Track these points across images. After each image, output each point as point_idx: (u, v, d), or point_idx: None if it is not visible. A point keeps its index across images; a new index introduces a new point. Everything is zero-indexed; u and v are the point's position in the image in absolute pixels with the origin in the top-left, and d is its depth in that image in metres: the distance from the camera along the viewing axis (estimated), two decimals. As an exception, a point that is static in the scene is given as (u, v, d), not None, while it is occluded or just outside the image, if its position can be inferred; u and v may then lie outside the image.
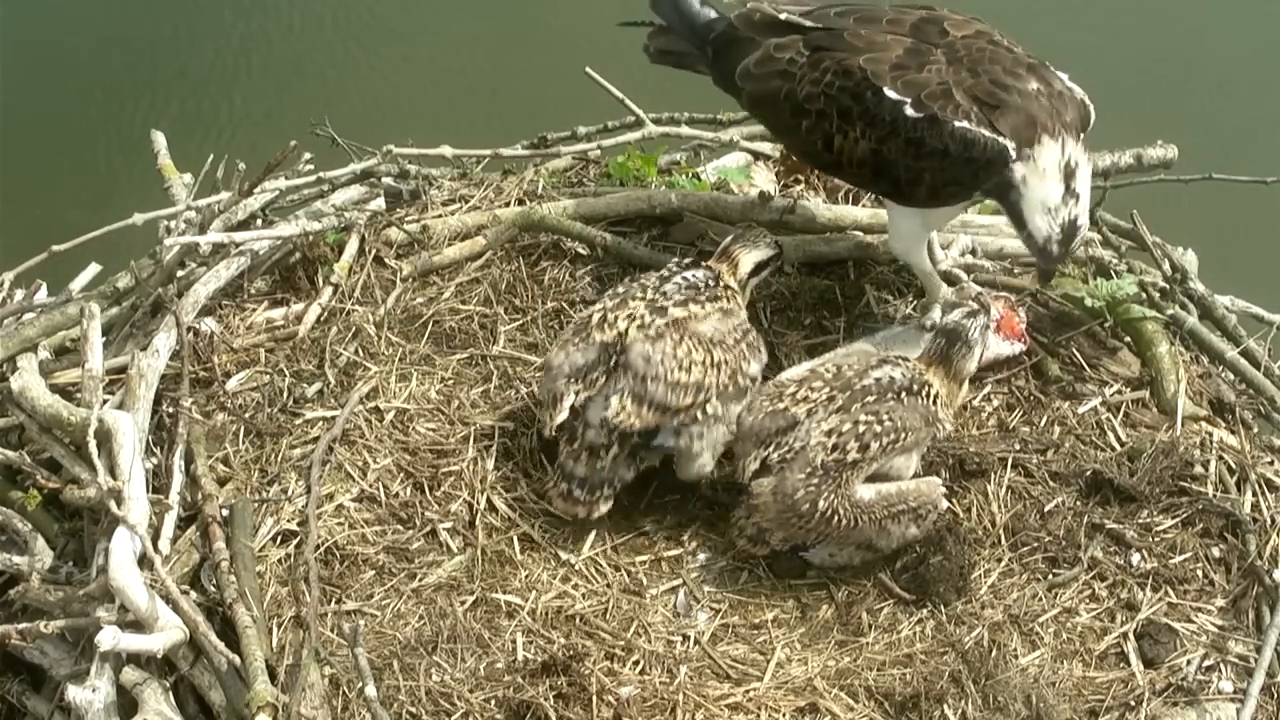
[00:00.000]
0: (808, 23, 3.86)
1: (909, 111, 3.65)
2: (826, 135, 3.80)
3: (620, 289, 3.75)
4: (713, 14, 4.07)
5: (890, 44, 3.74)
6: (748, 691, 3.33)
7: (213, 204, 4.25)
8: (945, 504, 3.59)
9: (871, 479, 3.51)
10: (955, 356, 3.61)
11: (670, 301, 3.66)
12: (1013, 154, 3.62)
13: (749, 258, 3.80)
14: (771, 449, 3.50)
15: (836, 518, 3.45)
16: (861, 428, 3.47)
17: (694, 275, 3.74)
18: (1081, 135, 3.67)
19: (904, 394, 3.54)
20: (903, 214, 3.92)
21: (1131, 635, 3.48)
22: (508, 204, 4.41)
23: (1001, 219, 4.18)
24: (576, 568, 3.58)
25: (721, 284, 3.75)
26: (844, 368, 3.59)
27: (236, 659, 3.17)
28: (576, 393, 3.60)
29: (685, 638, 3.48)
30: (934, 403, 3.57)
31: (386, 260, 4.20)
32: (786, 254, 4.23)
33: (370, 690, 3.11)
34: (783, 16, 3.90)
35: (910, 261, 4.07)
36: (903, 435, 3.50)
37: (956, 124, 3.62)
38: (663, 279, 3.73)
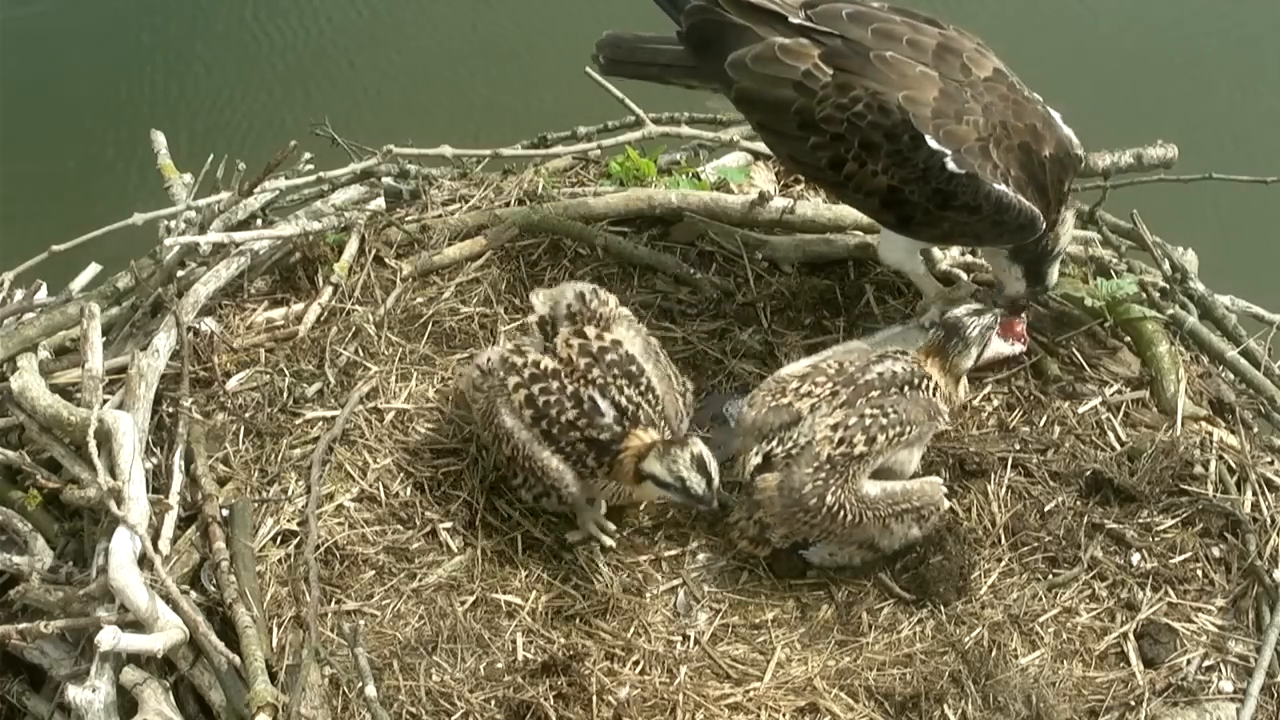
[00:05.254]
0: (815, 24, 3.77)
1: (950, 166, 3.63)
2: (837, 158, 3.74)
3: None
4: None
5: (923, 80, 3.68)
6: (748, 691, 3.33)
7: (213, 204, 4.25)
8: (947, 505, 3.59)
9: (875, 475, 3.51)
10: (951, 351, 3.62)
11: None
12: (1042, 225, 3.71)
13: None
14: (775, 443, 3.50)
15: (843, 513, 3.45)
16: (868, 421, 3.47)
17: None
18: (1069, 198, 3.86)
19: (906, 388, 3.55)
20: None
21: (1131, 635, 3.48)
22: (508, 204, 4.41)
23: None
24: (576, 568, 3.58)
25: None
26: (845, 363, 3.59)
27: (236, 659, 3.17)
28: None
29: (685, 638, 3.48)
30: (934, 394, 3.57)
31: (386, 260, 4.20)
32: (786, 253, 4.25)
33: (370, 690, 3.12)
34: (775, 8, 3.80)
35: (903, 269, 4.07)
36: (907, 429, 3.50)
37: (995, 186, 3.64)
38: None
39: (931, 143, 3.64)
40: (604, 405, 3.48)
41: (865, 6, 3.84)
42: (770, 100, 3.80)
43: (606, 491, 3.55)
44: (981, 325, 3.64)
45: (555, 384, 3.51)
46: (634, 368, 3.56)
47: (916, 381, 3.56)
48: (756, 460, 3.52)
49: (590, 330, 3.60)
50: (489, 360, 3.62)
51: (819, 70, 3.72)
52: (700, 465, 3.36)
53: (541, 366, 3.54)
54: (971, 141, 3.65)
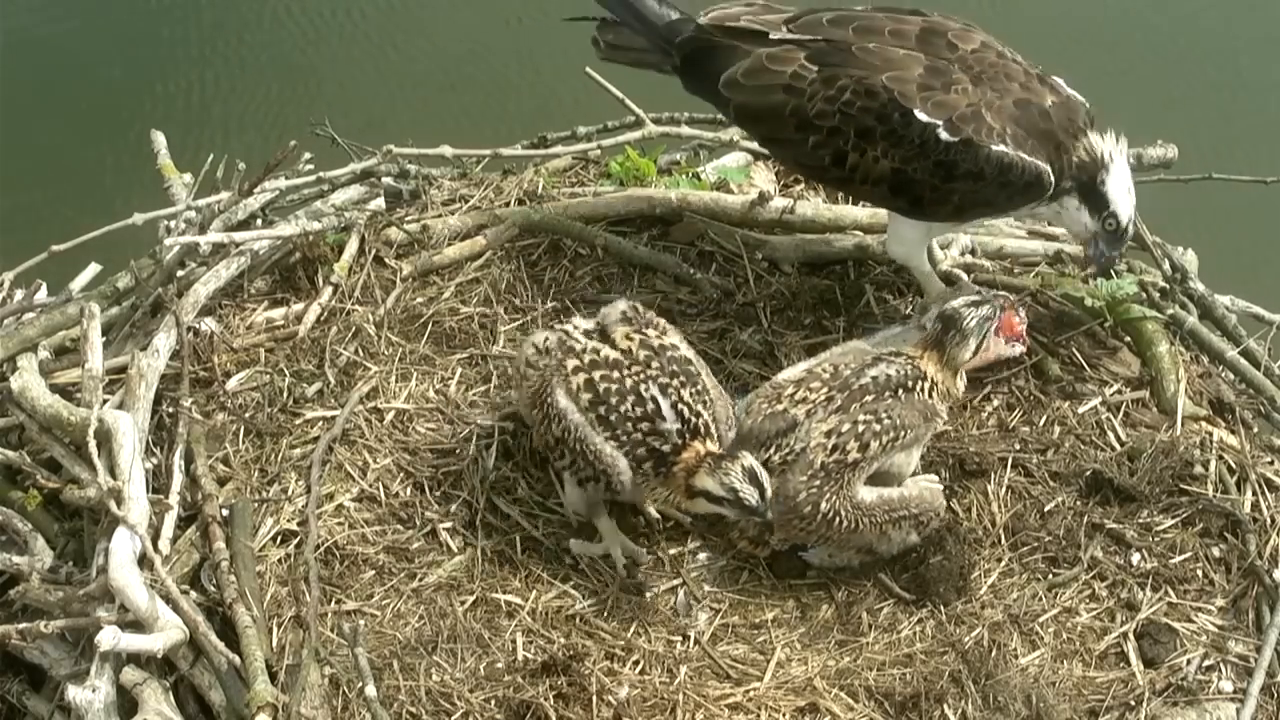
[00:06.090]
0: (798, 35, 3.81)
1: (943, 135, 3.65)
2: (838, 152, 3.77)
3: None
4: (674, 14, 3.98)
5: (906, 60, 3.71)
6: (748, 691, 3.33)
7: (213, 204, 4.25)
8: (944, 506, 3.59)
9: (872, 478, 3.51)
10: (949, 343, 3.60)
11: None
12: (1050, 179, 3.67)
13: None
14: (772, 451, 3.50)
15: (838, 519, 3.45)
16: (861, 427, 3.47)
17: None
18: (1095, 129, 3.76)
19: (901, 391, 3.54)
20: (906, 220, 3.92)
21: (1131, 635, 3.48)
22: (508, 204, 4.41)
23: (1001, 220, 4.22)
24: (577, 568, 3.58)
25: None
26: (841, 367, 3.59)
27: (236, 659, 3.17)
28: None
29: (685, 638, 3.48)
30: (930, 395, 3.56)
31: (386, 260, 4.20)
32: (786, 253, 4.25)
33: (370, 690, 3.12)
34: (758, 28, 3.84)
35: (910, 265, 4.07)
36: (902, 433, 3.50)
37: (994, 148, 3.64)
38: None
39: (921, 115, 3.65)
40: (666, 408, 3.43)
41: (846, 10, 3.87)
42: (765, 108, 3.83)
43: (656, 495, 3.52)
44: (979, 316, 3.61)
45: (616, 373, 3.47)
46: (692, 368, 3.52)
47: (911, 384, 3.55)
48: None
49: (650, 331, 3.57)
50: (546, 340, 3.55)
51: (805, 69, 3.77)
52: (752, 477, 3.32)
53: (601, 355, 3.50)
54: (962, 108, 3.66)
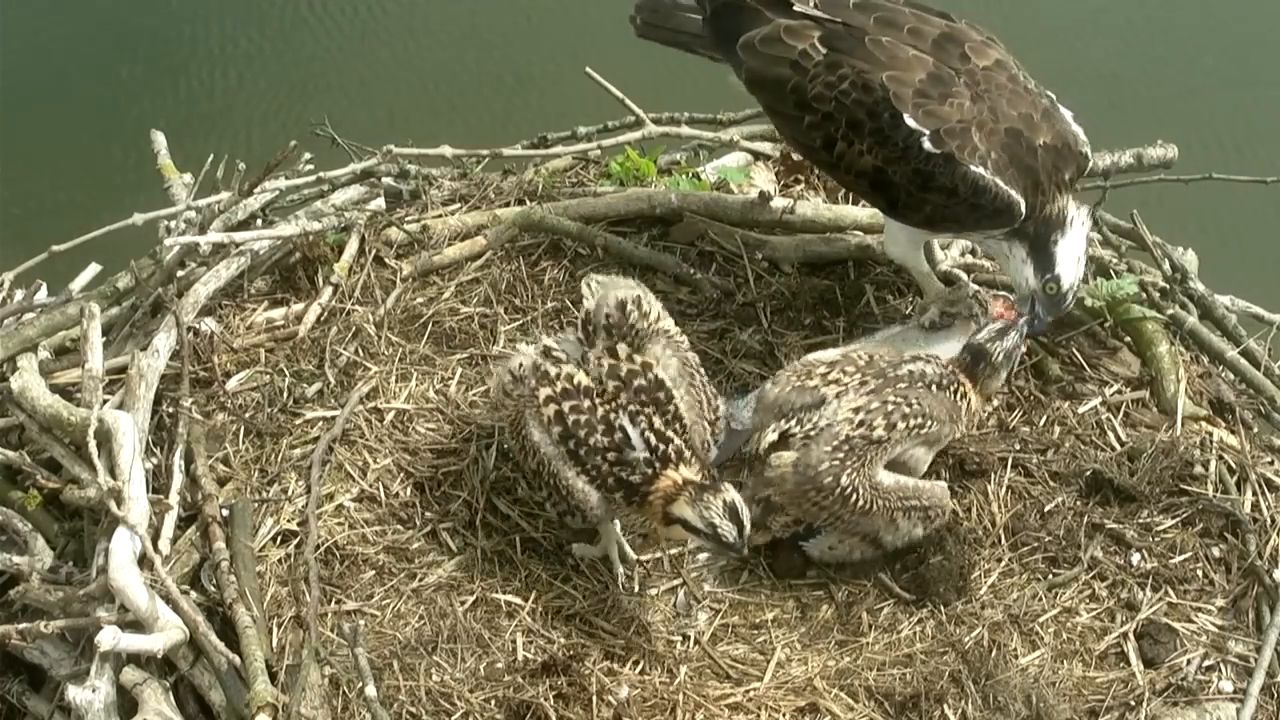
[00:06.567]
0: (819, 13, 3.82)
1: (926, 145, 3.66)
2: (829, 137, 3.79)
3: None
4: None
5: (913, 63, 3.72)
6: (748, 691, 3.33)
7: (213, 204, 4.25)
8: (951, 508, 3.59)
9: (890, 467, 3.51)
10: (980, 374, 3.61)
11: None
12: (1021, 211, 3.67)
13: None
14: (794, 423, 3.50)
15: (855, 496, 3.45)
16: (890, 407, 3.48)
17: None
18: (1074, 190, 3.77)
19: (934, 386, 3.54)
20: (897, 221, 3.92)
21: (1131, 635, 3.48)
22: (508, 204, 4.41)
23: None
24: (577, 568, 3.57)
25: None
26: (877, 357, 3.59)
27: (236, 659, 3.17)
28: None
29: (685, 638, 3.48)
30: (961, 399, 3.57)
31: (386, 260, 4.20)
32: (786, 253, 4.25)
33: (370, 690, 3.11)
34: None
35: (907, 265, 4.07)
36: (928, 423, 3.50)
37: (972, 169, 3.64)
38: None
39: (910, 121, 3.66)
40: (635, 437, 3.38)
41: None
42: (771, 79, 3.85)
43: (631, 521, 3.50)
44: (1004, 348, 3.60)
45: (587, 403, 3.42)
46: (662, 395, 3.44)
47: (946, 383, 3.56)
48: (772, 437, 3.52)
49: (621, 349, 3.50)
50: (521, 365, 3.53)
51: (814, 50, 3.79)
52: (733, 513, 3.26)
53: (575, 381, 3.45)
54: (952, 123, 3.66)
